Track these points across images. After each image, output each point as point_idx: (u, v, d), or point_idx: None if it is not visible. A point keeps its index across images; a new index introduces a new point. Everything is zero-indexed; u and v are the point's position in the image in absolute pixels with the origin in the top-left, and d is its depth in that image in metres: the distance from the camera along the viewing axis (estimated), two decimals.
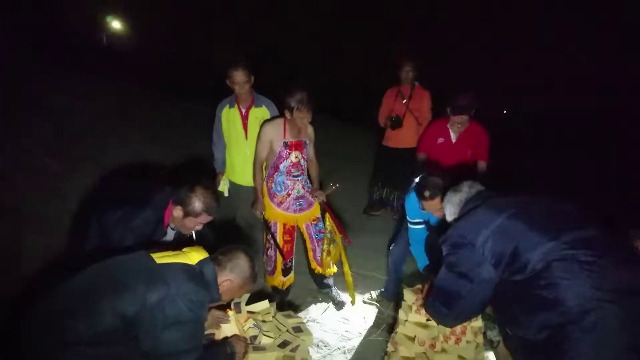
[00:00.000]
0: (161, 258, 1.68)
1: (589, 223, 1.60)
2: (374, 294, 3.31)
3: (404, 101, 4.31)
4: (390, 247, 3.13)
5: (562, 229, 1.54)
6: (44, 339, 1.52)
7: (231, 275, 1.77)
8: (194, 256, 1.73)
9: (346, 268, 3.10)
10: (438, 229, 2.65)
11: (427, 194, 2.34)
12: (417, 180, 2.56)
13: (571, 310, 1.40)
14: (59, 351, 1.49)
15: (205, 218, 2.09)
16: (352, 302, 3.17)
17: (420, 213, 2.62)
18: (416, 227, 2.78)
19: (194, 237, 2.26)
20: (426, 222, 2.74)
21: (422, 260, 2.72)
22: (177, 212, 2.06)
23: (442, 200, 2.29)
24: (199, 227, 2.15)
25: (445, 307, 1.79)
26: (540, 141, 9.83)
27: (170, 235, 2.26)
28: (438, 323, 2.02)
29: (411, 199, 2.62)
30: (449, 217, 2.01)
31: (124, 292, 1.54)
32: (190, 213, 2.04)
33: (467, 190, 1.96)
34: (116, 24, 17.07)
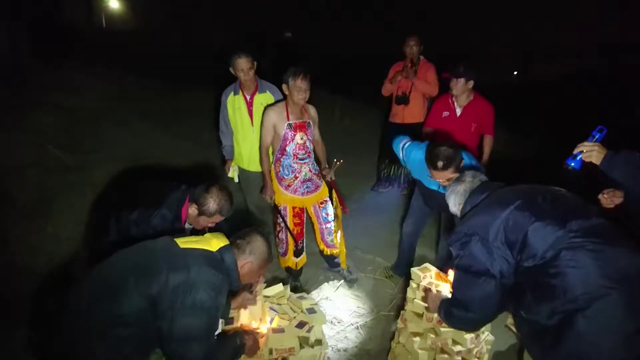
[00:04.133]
0: (185, 243, 1.76)
1: (591, 211, 1.63)
2: (386, 269, 3.41)
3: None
4: (403, 225, 3.20)
5: (568, 218, 1.56)
6: (76, 325, 1.60)
7: (251, 258, 1.84)
8: (214, 243, 1.79)
9: (341, 239, 3.19)
10: None
11: (439, 164, 2.30)
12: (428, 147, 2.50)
13: (579, 298, 1.43)
14: (91, 335, 1.57)
15: (218, 218, 2.18)
16: (344, 267, 3.29)
17: (409, 159, 2.78)
18: (400, 147, 2.93)
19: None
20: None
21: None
22: (193, 209, 2.16)
23: (453, 171, 2.32)
24: (212, 225, 2.23)
25: (470, 312, 1.77)
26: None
27: (187, 231, 2.35)
28: (465, 331, 2.02)
29: (412, 148, 2.75)
30: (453, 207, 2.02)
31: (149, 273, 1.62)
32: (205, 212, 2.13)
33: (470, 180, 1.96)
34: (114, 3, 16.89)
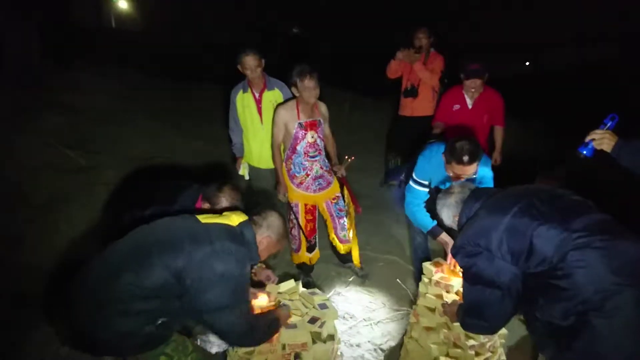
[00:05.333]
0: (206, 219, 1.81)
1: (589, 207, 1.61)
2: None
3: None
4: (415, 240, 3.14)
5: (569, 217, 1.54)
6: (93, 300, 1.60)
7: (268, 232, 1.91)
8: (234, 218, 1.85)
9: (353, 236, 3.19)
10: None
11: (465, 158, 2.24)
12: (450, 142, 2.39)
13: (592, 298, 1.41)
14: (111, 309, 1.58)
15: None
16: (357, 264, 3.29)
17: (428, 174, 2.61)
18: (420, 188, 2.68)
19: None
20: (429, 186, 2.68)
21: (424, 223, 2.65)
22: (206, 208, 2.18)
23: (476, 165, 2.28)
24: None
25: (482, 320, 1.79)
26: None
27: None
28: (483, 334, 2.03)
29: (427, 158, 2.61)
30: (447, 221, 2.00)
31: (172, 247, 1.65)
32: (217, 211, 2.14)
33: (459, 190, 1.95)
34: (123, 4, 17.00)
